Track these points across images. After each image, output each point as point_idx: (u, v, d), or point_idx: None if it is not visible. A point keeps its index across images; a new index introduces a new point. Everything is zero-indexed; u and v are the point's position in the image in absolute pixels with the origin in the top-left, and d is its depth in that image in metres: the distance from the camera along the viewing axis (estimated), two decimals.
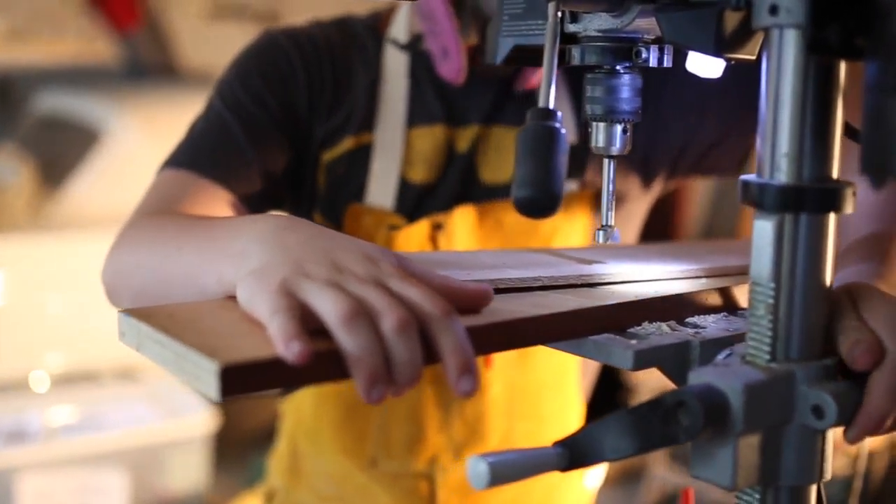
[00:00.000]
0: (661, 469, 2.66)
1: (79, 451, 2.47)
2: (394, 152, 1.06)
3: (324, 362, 0.56)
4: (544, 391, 1.16)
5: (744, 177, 0.64)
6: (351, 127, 1.07)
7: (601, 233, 0.78)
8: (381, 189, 1.05)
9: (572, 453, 0.62)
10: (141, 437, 2.55)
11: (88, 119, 3.04)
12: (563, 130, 0.64)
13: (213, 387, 0.54)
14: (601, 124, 0.76)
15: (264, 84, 1.05)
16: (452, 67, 1.01)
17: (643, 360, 0.66)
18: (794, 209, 0.62)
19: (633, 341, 0.67)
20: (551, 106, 0.65)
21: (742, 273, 0.82)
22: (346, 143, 1.07)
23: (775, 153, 0.62)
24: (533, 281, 0.73)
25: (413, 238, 1.05)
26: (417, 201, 1.06)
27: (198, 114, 1.07)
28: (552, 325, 0.66)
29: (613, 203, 0.78)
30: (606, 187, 0.77)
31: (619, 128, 0.76)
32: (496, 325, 0.64)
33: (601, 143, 0.76)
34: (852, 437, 0.63)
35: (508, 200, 1.07)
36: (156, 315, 0.63)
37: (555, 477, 1.16)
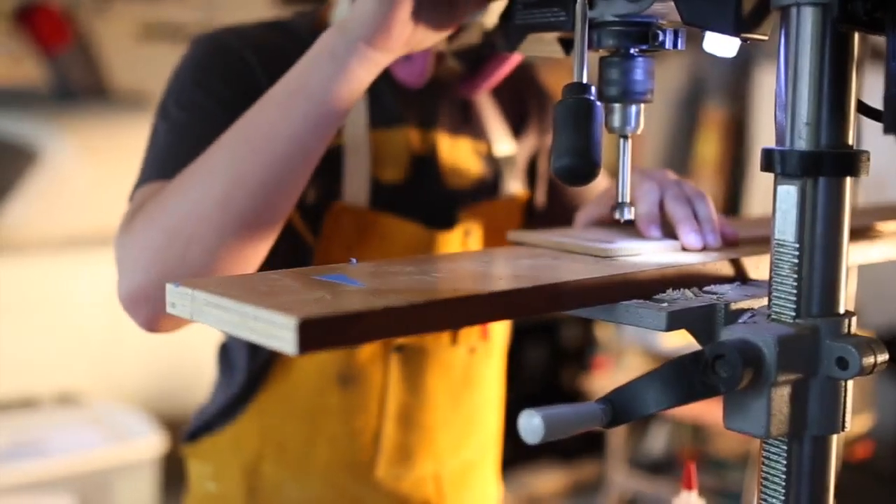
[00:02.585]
0: (620, 476, 2.70)
1: (24, 477, 2.40)
2: (363, 153, 1.05)
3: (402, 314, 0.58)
4: (498, 376, 1.21)
5: (765, 146, 0.68)
6: None
7: (618, 209, 0.81)
8: (356, 188, 1.06)
9: (615, 408, 0.65)
10: (88, 462, 2.49)
11: (22, 140, 2.98)
12: (599, 104, 0.68)
13: (290, 343, 0.55)
14: (617, 105, 0.80)
15: (223, 84, 0.98)
16: (414, 71, 1.02)
17: (675, 321, 0.69)
18: (814, 174, 0.66)
19: (665, 304, 0.70)
20: (584, 81, 0.68)
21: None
22: None
23: (796, 122, 0.67)
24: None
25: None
26: (389, 200, 1.07)
27: (153, 130, 1.00)
28: (590, 291, 0.69)
29: (628, 181, 0.82)
30: (622, 166, 0.81)
31: (633, 108, 0.80)
32: (539, 288, 0.66)
33: (617, 124, 0.80)
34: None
35: (484, 203, 1.12)
36: (209, 283, 0.64)
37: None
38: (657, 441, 3.01)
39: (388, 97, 1.08)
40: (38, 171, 2.86)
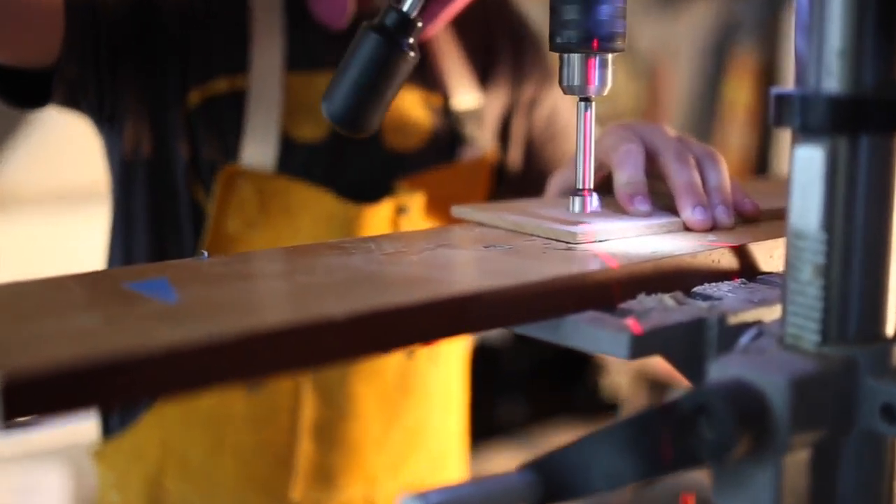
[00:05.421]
0: None
1: (15, 448, 2.32)
2: (273, 102, 0.86)
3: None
4: (455, 378, 1.01)
5: (778, 90, 0.46)
6: (222, 64, 0.86)
7: (576, 199, 0.61)
8: (261, 147, 0.86)
9: (549, 481, 0.45)
10: (81, 433, 2.39)
11: None
12: (411, 48, 0.49)
13: None
14: (576, 56, 0.58)
15: None
16: (335, 8, 0.85)
17: (643, 346, 0.48)
18: (851, 128, 0.44)
19: (629, 321, 0.49)
20: (413, 13, 0.48)
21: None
22: (220, 84, 0.86)
23: (824, 52, 0.44)
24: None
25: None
26: (304, 163, 0.87)
27: None
28: (520, 302, 0.48)
29: (592, 162, 0.60)
30: (582, 142, 0.60)
31: (598, 60, 0.58)
32: (430, 306, 0.45)
33: (576, 82, 0.59)
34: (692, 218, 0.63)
35: (429, 171, 0.92)
36: None
37: None
38: None
39: (311, 38, 0.88)
40: (30, 127, 2.76)
